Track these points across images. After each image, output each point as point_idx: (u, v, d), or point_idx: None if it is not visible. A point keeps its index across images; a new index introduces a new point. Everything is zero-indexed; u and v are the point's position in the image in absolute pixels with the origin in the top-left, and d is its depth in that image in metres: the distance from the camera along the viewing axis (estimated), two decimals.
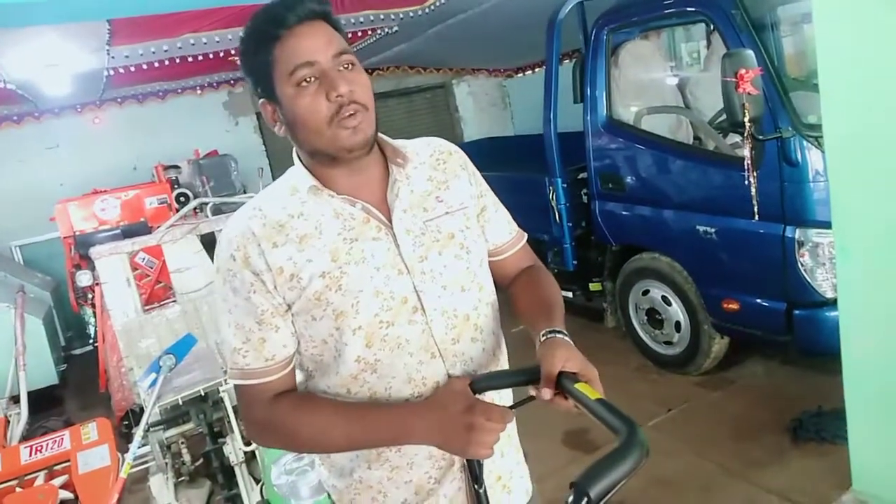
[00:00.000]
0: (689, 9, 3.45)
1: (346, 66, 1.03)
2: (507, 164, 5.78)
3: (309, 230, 1.07)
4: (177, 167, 6.40)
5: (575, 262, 4.31)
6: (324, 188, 1.08)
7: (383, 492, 1.17)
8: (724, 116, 3.10)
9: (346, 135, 1.03)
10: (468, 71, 9.01)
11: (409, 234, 1.11)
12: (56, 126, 6.77)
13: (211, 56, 5.19)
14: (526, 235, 1.34)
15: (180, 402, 2.77)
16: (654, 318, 3.91)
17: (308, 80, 1.01)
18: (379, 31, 5.80)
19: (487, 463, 1.13)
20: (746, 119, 2.76)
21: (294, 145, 1.11)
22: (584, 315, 4.65)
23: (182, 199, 5.87)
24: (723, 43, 3.18)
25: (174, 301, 3.94)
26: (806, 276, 2.98)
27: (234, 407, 2.73)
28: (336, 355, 1.10)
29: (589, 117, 3.98)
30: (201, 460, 3.07)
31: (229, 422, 2.78)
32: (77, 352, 6.25)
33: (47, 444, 2.75)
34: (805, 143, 2.92)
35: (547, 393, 0.98)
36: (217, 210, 5.36)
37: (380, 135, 1.12)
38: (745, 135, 2.81)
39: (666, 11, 3.61)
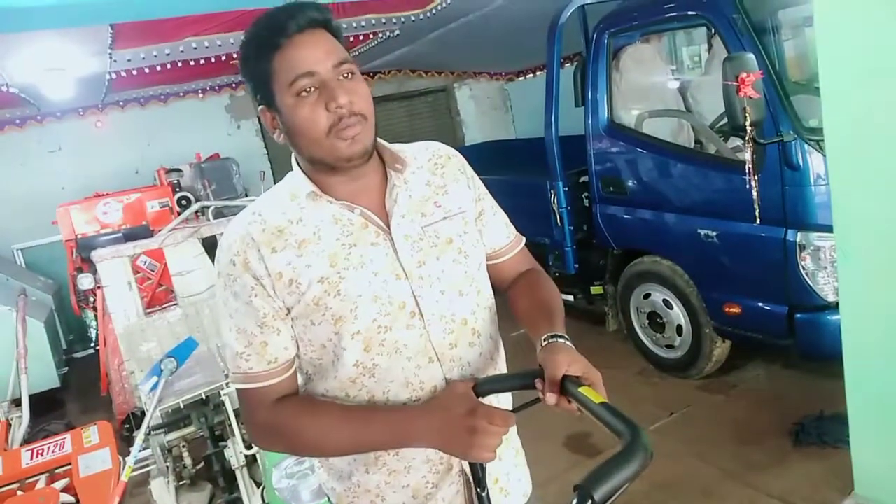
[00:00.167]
0: (690, 13, 3.45)
1: (345, 75, 1.03)
2: (508, 167, 5.80)
3: (308, 235, 1.07)
4: (179, 170, 6.40)
5: (576, 266, 4.31)
6: (322, 194, 1.08)
7: (381, 496, 1.17)
8: (725, 120, 3.11)
9: (344, 146, 1.03)
10: (470, 74, 9.03)
11: (408, 240, 1.11)
12: (58, 129, 6.78)
13: (213, 59, 5.21)
14: (524, 239, 1.34)
15: (181, 406, 2.78)
16: (656, 322, 3.90)
17: (308, 90, 1.01)
18: (381, 35, 5.81)
19: None
20: (748, 123, 2.76)
21: (293, 151, 1.12)
22: (585, 319, 4.65)
23: (184, 202, 5.88)
24: (724, 46, 3.19)
25: (175, 304, 3.94)
26: (807, 279, 2.98)
27: (235, 410, 2.73)
28: (335, 359, 1.10)
29: (590, 121, 3.98)
30: (202, 464, 3.06)
31: (230, 425, 2.77)
32: (78, 355, 6.25)
33: (48, 448, 2.75)
34: (806, 146, 2.92)
35: (552, 396, 0.98)
36: (219, 213, 5.35)
37: (378, 140, 1.13)
38: (747, 138, 2.81)
39: (667, 15, 3.62)
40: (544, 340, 1.06)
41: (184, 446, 2.99)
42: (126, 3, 2.87)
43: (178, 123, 7.26)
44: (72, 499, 2.59)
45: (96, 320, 4.97)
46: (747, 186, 2.91)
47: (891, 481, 2.35)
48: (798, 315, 3.06)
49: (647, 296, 3.91)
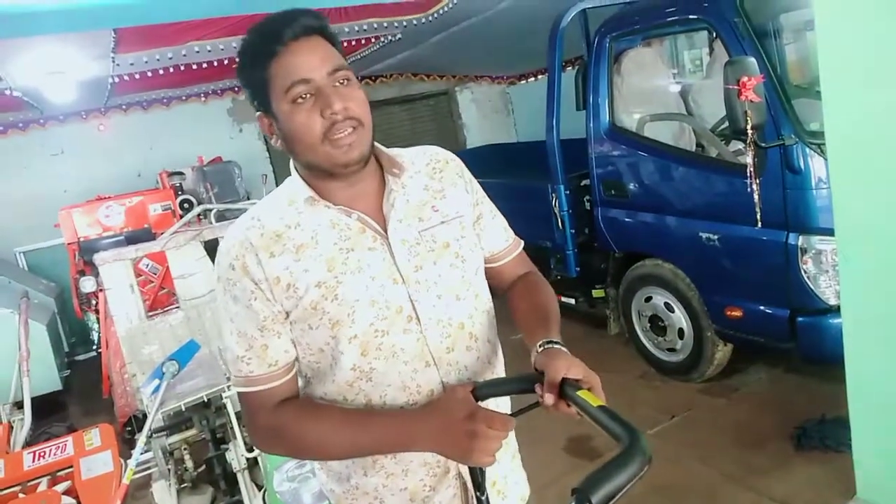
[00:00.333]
0: (691, 16, 3.45)
1: (341, 81, 1.04)
2: (509, 171, 5.80)
3: (305, 240, 1.08)
4: (181, 174, 6.41)
5: (578, 269, 4.31)
6: (320, 199, 1.09)
7: (380, 498, 1.17)
8: (726, 124, 3.11)
9: (340, 152, 1.04)
10: (471, 78, 9.05)
11: (405, 244, 1.12)
12: (61, 133, 6.80)
13: (215, 63, 5.22)
14: (522, 243, 1.34)
15: (183, 409, 2.78)
16: (657, 325, 3.90)
17: (304, 96, 1.02)
18: (382, 39, 5.82)
19: None
20: (749, 126, 2.76)
21: (291, 157, 1.12)
22: (587, 322, 4.65)
23: (186, 205, 5.90)
24: (725, 50, 3.18)
25: (177, 307, 3.95)
26: (809, 283, 2.98)
27: (236, 413, 2.74)
28: (332, 363, 1.10)
29: (591, 124, 3.98)
30: (204, 467, 3.07)
31: (232, 428, 2.78)
32: (80, 358, 6.26)
33: (50, 450, 2.75)
34: (807, 150, 2.92)
35: (550, 398, 0.98)
36: (221, 216, 5.37)
37: (376, 144, 1.13)
38: (748, 142, 2.81)
39: (668, 19, 3.62)
40: (540, 346, 1.07)
41: (185, 449, 3.00)
42: (128, 8, 2.87)
43: (180, 127, 7.27)
44: (73, 501, 2.58)
45: (98, 323, 4.97)
46: (749, 190, 2.91)
47: (893, 485, 2.34)
48: (800, 318, 3.06)
49: (648, 299, 3.91)
